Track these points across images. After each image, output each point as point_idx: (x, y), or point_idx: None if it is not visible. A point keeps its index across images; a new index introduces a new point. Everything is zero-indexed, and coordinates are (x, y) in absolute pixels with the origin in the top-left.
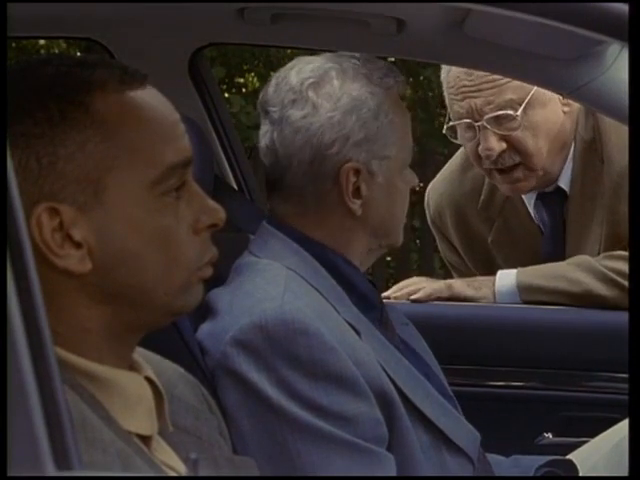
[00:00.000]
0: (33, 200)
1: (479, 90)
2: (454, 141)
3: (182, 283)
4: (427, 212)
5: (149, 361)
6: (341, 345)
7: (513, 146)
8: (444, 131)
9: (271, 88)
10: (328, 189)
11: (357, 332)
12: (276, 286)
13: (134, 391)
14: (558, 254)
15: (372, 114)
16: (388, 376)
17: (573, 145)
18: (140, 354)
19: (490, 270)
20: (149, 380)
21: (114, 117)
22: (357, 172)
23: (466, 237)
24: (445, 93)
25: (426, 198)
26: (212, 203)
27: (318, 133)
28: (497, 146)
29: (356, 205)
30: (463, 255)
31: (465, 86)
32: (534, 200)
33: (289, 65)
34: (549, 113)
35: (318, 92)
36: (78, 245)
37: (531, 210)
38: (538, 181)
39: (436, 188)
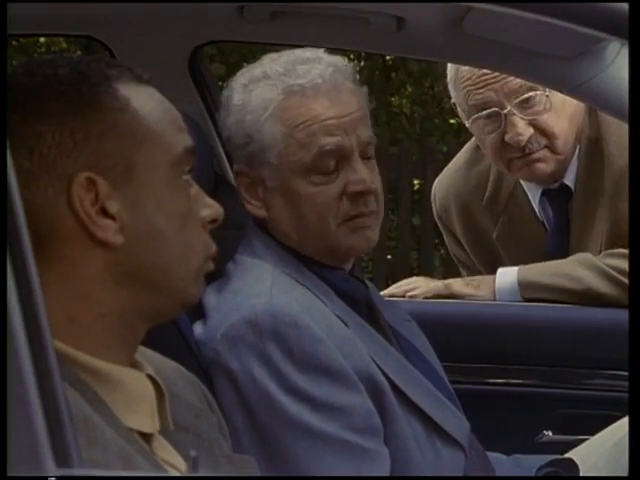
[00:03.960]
0: (70, 171)
1: (501, 76)
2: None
3: (196, 269)
4: (433, 207)
5: (149, 359)
6: (329, 337)
7: (540, 130)
8: (468, 126)
9: None
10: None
11: (346, 325)
12: (263, 282)
13: (136, 388)
14: (562, 251)
15: (248, 118)
16: (378, 367)
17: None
18: (141, 353)
19: (495, 266)
20: (151, 378)
21: (137, 102)
22: (246, 174)
23: (471, 232)
24: (456, 89)
25: (432, 193)
26: (211, 200)
27: (221, 130)
28: (526, 131)
29: (252, 206)
30: (468, 250)
31: (485, 74)
32: (539, 197)
33: None
34: None
35: (229, 94)
36: (113, 218)
37: (536, 207)
38: (555, 168)
39: (442, 183)
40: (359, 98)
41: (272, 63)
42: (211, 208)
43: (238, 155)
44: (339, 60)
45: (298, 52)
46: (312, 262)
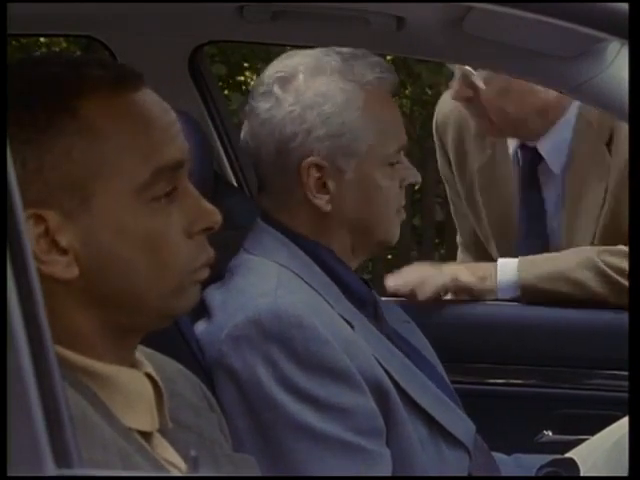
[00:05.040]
0: None
1: None
2: None
3: (175, 286)
4: (435, 118)
5: (149, 358)
6: (335, 338)
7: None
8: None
9: (255, 82)
10: (294, 183)
11: (351, 326)
12: (268, 282)
13: (135, 388)
14: (533, 208)
15: (337, 110)
16: (383, 369)
17: (574, 121)
18: (140, 351)
19: (473, 199)
20: (149, 376)
21: (102, 123)
22: (320, 167)
23: (460, 157)
24: None
25: (438, 105)
26: (208, 206)
27: (280, 126)
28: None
29: (321, 200)
30: (454, 173)
31: None
32: (515, 147)
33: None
34: None
35: (284, 86)
36: (64, 251)
37: (511, 154)
38: (506, 133)
39: (448, 102)
40: None
41: (325, 57)
42: (205, 216)
43: (318, 147)
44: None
45: (337, 48)
46: (330, 259)
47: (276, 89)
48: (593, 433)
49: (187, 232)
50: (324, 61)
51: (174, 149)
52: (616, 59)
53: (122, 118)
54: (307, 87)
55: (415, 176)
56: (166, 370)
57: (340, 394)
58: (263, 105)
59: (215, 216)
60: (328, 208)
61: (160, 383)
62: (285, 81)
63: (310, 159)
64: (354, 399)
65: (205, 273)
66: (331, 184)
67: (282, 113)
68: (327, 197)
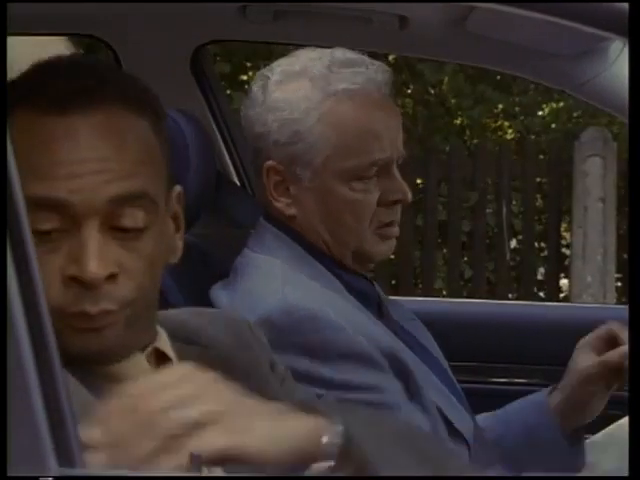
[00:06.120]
0: None
1: None
2: None
3: (58, 325)
4: None
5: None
6: (348, 323)
7: None
8: None
9: None
10: (264, 182)
11: None
12: (274, 280)
13: (130, 376)
14: None
15: (294, 117)
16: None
17: None
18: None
19: None
20: (157, 351)
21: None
22: (279, 171)
23: None
24: None
25: None
26: (91, 260)
27: (251, 124)
28: None
29: (281, 204)
30: None
31: None
32: None
33: None
34: None
35: (262, 86)
36: None
37: None
38: None
39: None
40: (395, 105)
41: (312, 61)
42: (78, 267)
43: (275, 152)
44: (381, 64)
45: (338, 52)
46: (329, 260)
47: (255, 88)
48: (593, 433)
49: (61, 276)
50: (308, 66)
51: (69, 187)
52: (619, 58)
53: (26, 140)
54: (275, 90)
55: (403, 193)
56: (218, 341)
57: (365, 374)
58: (246, 102)
59: (89, 273)
60: (291, 212)
61: (171, 355)
62: (264, 81)
63: (269, 162)
64: (378, 377)
65: (81, 323)
66: (292, 189)
67: (253, 112)
68: (288, 201)
